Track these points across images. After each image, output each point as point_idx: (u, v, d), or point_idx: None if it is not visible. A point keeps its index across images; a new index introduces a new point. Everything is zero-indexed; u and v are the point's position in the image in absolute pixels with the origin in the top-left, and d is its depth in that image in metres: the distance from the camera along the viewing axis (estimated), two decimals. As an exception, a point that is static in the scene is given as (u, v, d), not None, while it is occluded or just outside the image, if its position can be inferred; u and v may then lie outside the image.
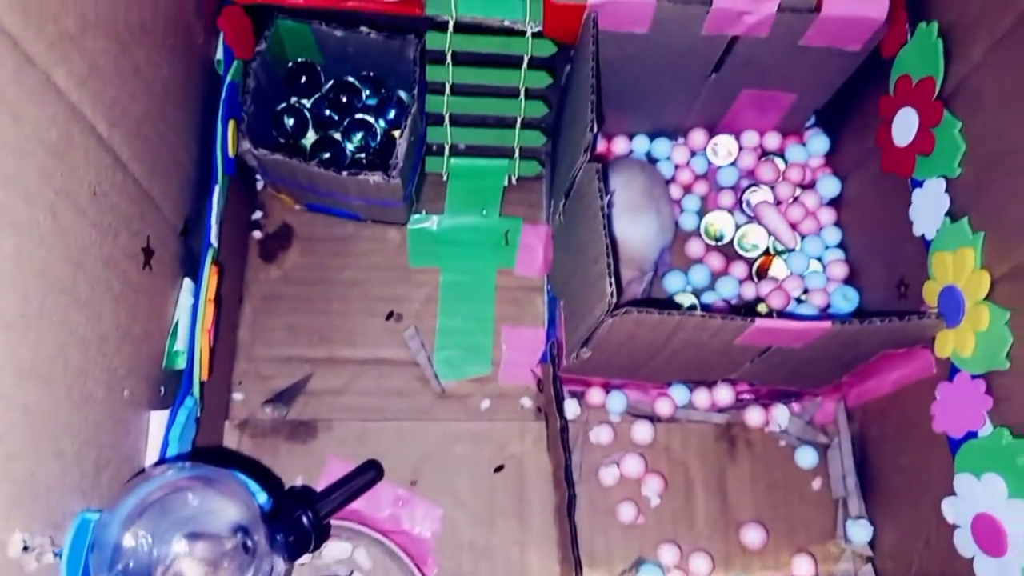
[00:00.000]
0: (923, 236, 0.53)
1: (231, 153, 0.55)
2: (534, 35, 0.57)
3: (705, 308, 0.65)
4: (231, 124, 0.54)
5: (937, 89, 0.51)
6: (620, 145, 0.70)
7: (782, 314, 0.63)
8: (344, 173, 0.57)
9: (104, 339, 0.39)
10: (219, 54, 0.54)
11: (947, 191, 0.50)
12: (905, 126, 0.54)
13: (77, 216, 0.36)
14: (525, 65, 0.59)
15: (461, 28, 0.57)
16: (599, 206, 0.50)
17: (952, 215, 0.50)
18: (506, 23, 0.57)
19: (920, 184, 0.53)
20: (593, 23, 0.54)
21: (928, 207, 0.52)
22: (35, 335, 0.33)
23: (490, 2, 0.56)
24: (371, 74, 0.65)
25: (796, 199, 0.67)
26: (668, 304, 0.66)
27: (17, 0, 0.32)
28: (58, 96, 0.35)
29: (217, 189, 0.53)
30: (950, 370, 0.49)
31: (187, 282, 0.49)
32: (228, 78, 0.54)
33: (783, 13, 0.54)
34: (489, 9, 0.56)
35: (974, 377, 0.47)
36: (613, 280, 0.47)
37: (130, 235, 0.42)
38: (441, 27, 0.57)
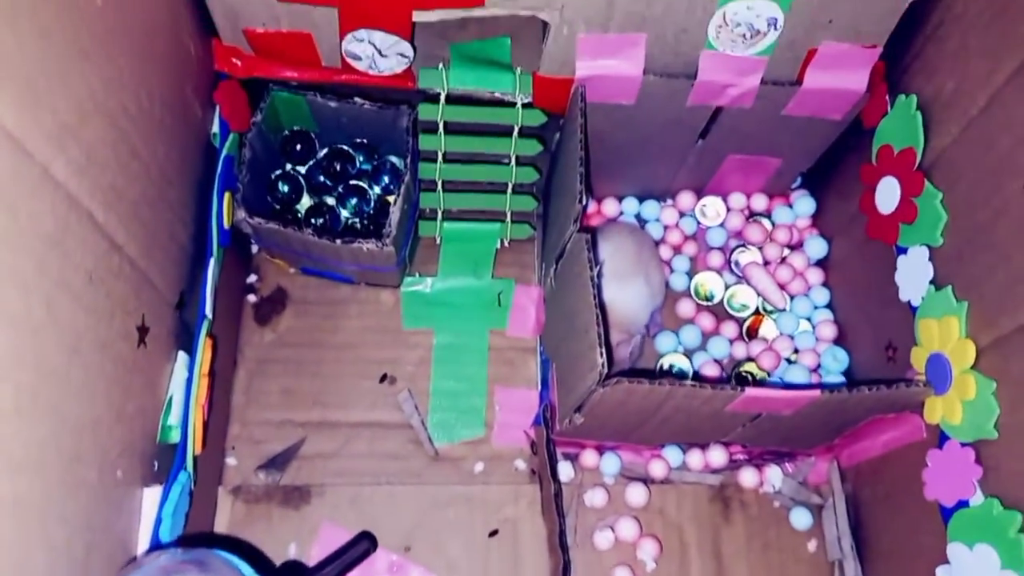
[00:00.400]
0: (909, 302, 0.53)
1: (226, 224, 0.56)
2: (524, 106, 0.58)
3: (696, 373, 0.65)
4: (226, 196, 0.55)
5: (918, 160, 0.52)
6: (610, 207, 0.71)
7: (771, 383, 0.64)
8: (338, 241, 0.58)
9: (97, 422, 0.39)
10: (215, 127, 0.55)
11: (931, 259, 0.51)
12: (888, 195, 0.55)
13: (72, 304, 0.37)
14: (516, 134, 0.60)
15: (453, 100, 0.58)
16: (589, 275, 0.51)
17: (936, 283, 0.51)
18: (496, 94, 0.58)
19: (904, 251, 0.54)
20: (581, 97, 0.55)
21: (913, 274, 0.53)
22: (27, 426, 0.33)
23: (481, 75, 0.57)
24: (365, 141, 0.66)
25: (784, 259, 0.68)
26: (660, 373, 0.66)
27: (15, 94, 0.33)
28: (55, 187, 0.36)
29: (212, 262, 0.53)
30: (940, 437, 0.50)
31: (182, 355, 0.50)
32: (224, 151, 0.55)
33: (766, 86, 0.56)
34: (480, 82, 0.57)
35: (963, 445, 0.48)
36: (604, 350, 0.48)
37: (125, 315, 0.42)
38: (433, 99, 0.58)
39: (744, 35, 0.52)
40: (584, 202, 0.52)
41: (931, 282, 0.51)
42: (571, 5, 0.51)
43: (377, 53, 0.54)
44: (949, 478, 0.49)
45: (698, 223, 0.70)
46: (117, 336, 0.42)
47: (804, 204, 0.69)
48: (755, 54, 0.53)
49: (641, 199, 0.71)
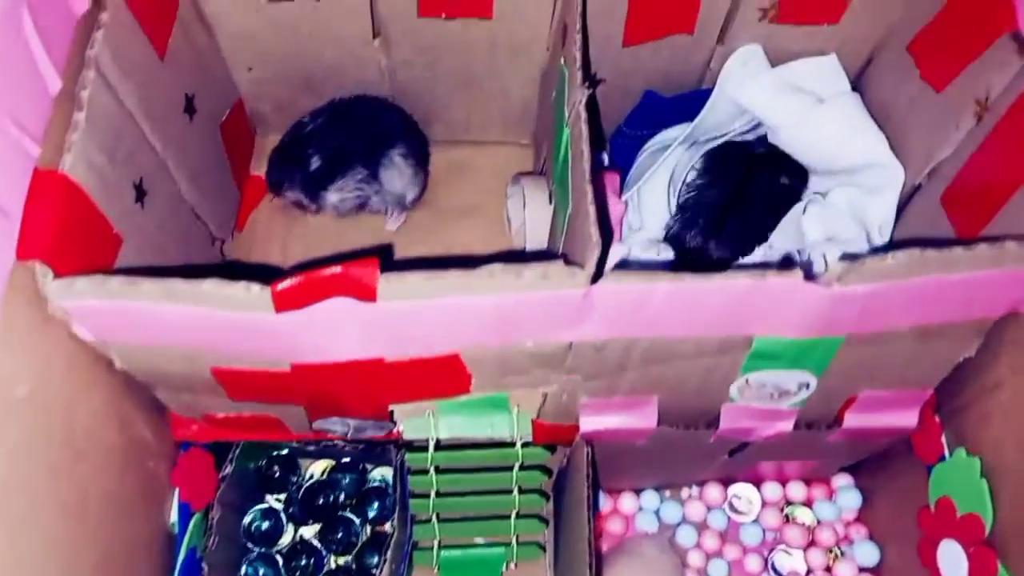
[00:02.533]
0: None
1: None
2: (524, 444, 0.52)
3: None
4: (188, 598, 0.48)
5: (986, 532, 0.44)
6: (627, 503, 0.63)
7: None
8: (320, 618, 0.51)
9: None
10: (173, 515, 0.48)
11: (1019, 664, 0.43)
12: (953, 562, 0.47)
13: None
14: (516, 468, 0.53)
15: (443, 446, 0.51)
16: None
17: None
18: (494, 437, 0.51)
19: (983, 633, 0.46)
20: (588, 459, 0.48)
21: (996, 667, 0.44)
22: None
23: (474, 421, 0.51)
24: (349, 461, 0.59)
25: (830, 569, 0.60)
26: None
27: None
28: None
29: None
30: None
31: None
32: (184, 544, 0.48)
33: (799, 431, 0.48)
34: (473, 428, 0.51)
35: None
36: None
37: None
38: (422, 447, 0.51)
39: (771, 395, 0.46)
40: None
41: None
42: (571, 382, 0.44)
43: (352, 429, 0.48)
44: None
45: (729, 518, 0.63)
46: None
47: (849, 497, 0.61)
48: (785, 407, 0.47)
49: (661, 488, 0.64)
